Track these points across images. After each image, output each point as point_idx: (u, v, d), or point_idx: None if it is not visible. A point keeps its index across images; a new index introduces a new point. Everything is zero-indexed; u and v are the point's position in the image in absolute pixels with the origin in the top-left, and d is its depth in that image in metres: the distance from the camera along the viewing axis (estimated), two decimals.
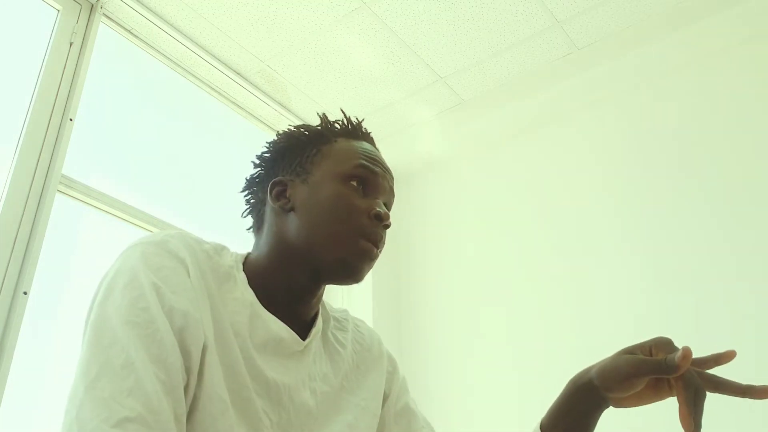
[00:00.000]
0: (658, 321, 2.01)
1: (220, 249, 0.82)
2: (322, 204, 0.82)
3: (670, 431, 0.78)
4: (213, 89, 2.50)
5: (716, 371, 0.71)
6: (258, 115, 2.65)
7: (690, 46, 2.24)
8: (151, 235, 0.77)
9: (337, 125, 0.91)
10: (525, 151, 2.59)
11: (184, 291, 0.71)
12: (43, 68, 1.94)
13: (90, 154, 2.05)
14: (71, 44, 2.03)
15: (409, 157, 2.80)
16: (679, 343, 0.71)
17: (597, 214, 2.31)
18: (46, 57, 1.96)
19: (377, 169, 0.86)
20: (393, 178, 0.90)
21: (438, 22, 2.27)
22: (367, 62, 2.43)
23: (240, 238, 0.97)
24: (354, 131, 0.91)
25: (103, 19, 2.15)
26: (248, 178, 0.92)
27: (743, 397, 0.68)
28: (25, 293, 1.65)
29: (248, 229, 0.91)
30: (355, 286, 2.63)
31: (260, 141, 0.93)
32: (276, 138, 0.92)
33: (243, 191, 0.92)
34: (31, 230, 1.73)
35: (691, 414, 0.65)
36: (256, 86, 2.53)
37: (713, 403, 0.69)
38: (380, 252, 0.83)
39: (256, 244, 0.87)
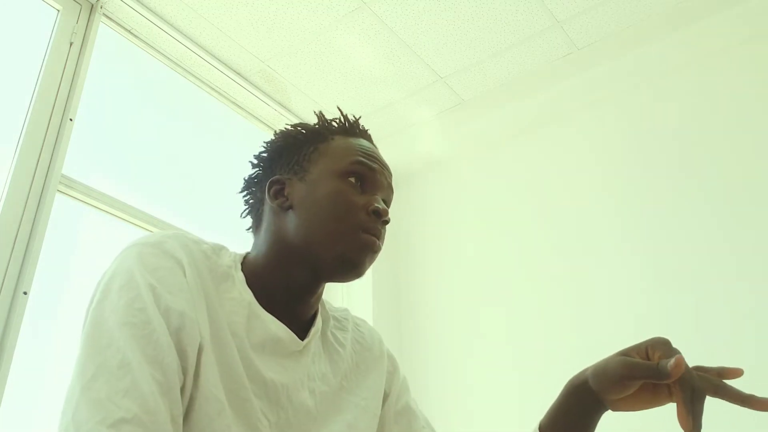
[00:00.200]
0: (658, 321, 2.01)
1: (218, 249, 0.81)
2: (320, 201, 0.82)
3: None
4: (213, 89, 2.50)
5: None
6: (258, 115, 2.65)
7: (690, 46, 2.24)
8: (148, 235, 0.77)
9: (334, 123, 0.90)
10: (525, 151, 2.59)
11: (181, 291, 0.71)
12: (43, 68, 1.94)
13: (90, 154, 2.05)
14: (71, 44, 2.03)
15: (409, 157, 2.80)
16: (679, 343, 0.70)
17: (597, 214, 2.30)
18: (46, 57, 1.96)
19: (375, 166, 0.86)
20: (391, 175, 0.89)
21: (438, 22, 2.27)
22: (367, 62, 2.43)
23: (240, 238, 0.97)
24: (351, 128, 0.90)
25: (103, 19, 2.15)
26: (246, 178, 0.92)
27: (743, 405, 0.67)
28: (25, 293, 1.65)
29: (247, 229, 0.91)
30: (355, 286, 2.67)
31: (260, 141, 0.93)
32: (273, 137, 0.92)
33: (241, 191, 0.92)
34: (31, 230, 1.73)
35: (690, 414, 0.64)
36: (256, 86, 2.53)
37: (713, 403, 0.69)
38: (381, 246, 0.83)
39: (255, 244, 0.87)
